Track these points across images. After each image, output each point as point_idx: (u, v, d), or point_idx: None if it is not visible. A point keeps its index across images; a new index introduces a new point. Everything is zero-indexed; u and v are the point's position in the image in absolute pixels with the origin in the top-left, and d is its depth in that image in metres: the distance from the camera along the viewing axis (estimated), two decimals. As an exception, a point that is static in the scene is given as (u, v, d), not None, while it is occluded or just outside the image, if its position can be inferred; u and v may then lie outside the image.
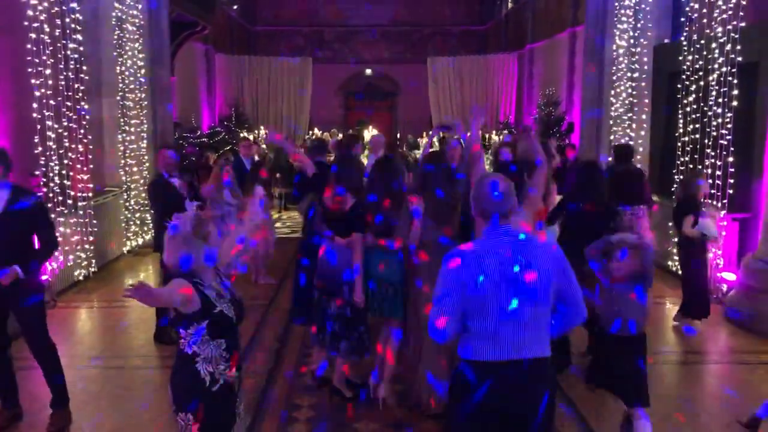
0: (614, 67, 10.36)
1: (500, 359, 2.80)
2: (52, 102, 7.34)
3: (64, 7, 7.72)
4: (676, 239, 7.20)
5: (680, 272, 6.72)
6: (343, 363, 4.91)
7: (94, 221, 8.40)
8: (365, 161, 7.78)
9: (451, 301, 2.79)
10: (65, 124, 7.73)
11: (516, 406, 2.85)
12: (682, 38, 8.18)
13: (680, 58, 8.12)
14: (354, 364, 4.96)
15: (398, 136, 20.92)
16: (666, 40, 9.63)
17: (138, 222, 9.92)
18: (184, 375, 3.04)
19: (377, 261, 4.68)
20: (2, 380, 4.66)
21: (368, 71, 24.87)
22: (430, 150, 6.11)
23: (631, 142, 9.50)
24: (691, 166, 7.87)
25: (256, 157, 12.47)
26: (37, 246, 4.57)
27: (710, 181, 7.40)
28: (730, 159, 7.19)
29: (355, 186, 4.84)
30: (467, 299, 2.78)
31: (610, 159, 10.18)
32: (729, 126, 7.19)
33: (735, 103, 7.14)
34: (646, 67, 9.76)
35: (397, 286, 4.69)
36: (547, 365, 2.90)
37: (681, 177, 7.99)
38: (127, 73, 9.75)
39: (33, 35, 7.04)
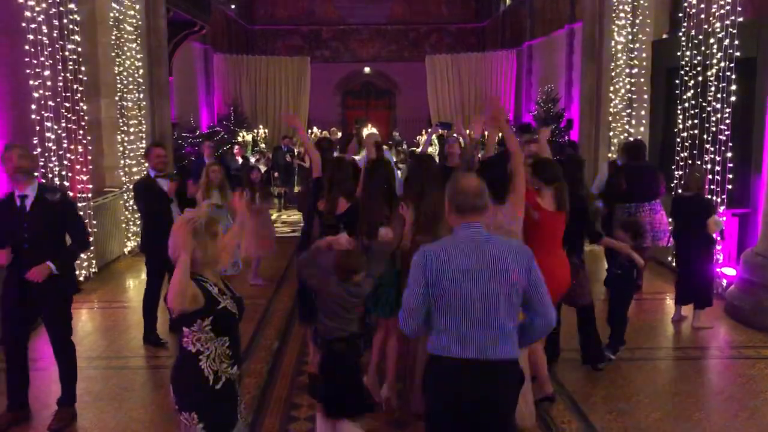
0: (612, 63, 10.36)
1: (463, 357, 2.82)
2: (50, 103, 7.34)
3: (61, 9, 7.71)
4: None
5: (683, 267, 6.66)
6: None
7: (94, 222, 8.40)
8: (357, 157, 7.81)
9: (416, 296, 2.84)
10: (64, 124, 7.73)
11: (477, 406, 2.86)
12: (680, 34, 8.18)
13: (678, 53, 8.12)
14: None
15: (395, 133, 20.91)
16: (664, 36, 9.63)
17: (137, 222, 9.90)
18: (188, 373, 3.03)
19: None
20: (17, 377, 4.69)
21: (366, 70, 24.88)
22: (420, 151, 6.13)
23: (630, 138, 9.51)
24: (690, 161, 7.87)
25: (240, 159, 12.46)
26: (69, 242, 4.66)
27: (709, 176, 7.40)
28: (729, 154, 7.19)
29: (348, 190, 4.84)
30: (432, 295, 2.83)
31: (609, 155, 10.22)
32: (728, 121, 7.19)
33: (733, 99, 7.14)
34: (644, 63, 9.76)
35: (386, 289, 4.65)
36: (511, 368, 2.89)
37: (681, 172, 8.00)
38: (125, 73, 9.75)
39: (31, 36, 7.04)
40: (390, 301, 4.67)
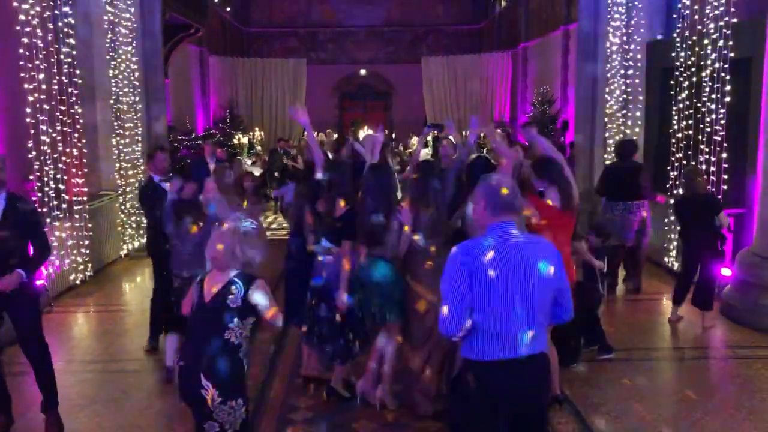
0: (608, 65, 10.38)
1: (505, 357, 2.84)
2: (45, 106, 7.32)
3: (56, 11, 7.70)
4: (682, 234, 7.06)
5: (687, 267, 6.66)
6: (334, 366, 4.93)
7: (90, 225, 8.38)
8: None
9: (460, 294, 2.82)
10: (59, 128, 7.71)
11: (520, 403, 2.91)
12: (675, 35, 8.20)
13: (673, 54, 8.14)
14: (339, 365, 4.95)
15: (393, 136, 20.91)
16: (659, 37, 9.64)
17: (134, 225, 9.90)
18: (233, 365, 3.28)
19: (365, 269, 4.68)
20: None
21: (362, 71, 24.89)
22: (421, 159, 6.14)
23: (633, 138, 9.52)
24: (685, 162, 7.88)
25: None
26: (31, 252, 4.57)
27: (704, 176, 7.42)
28: (724, 155, 7.21)
29: (347, 192, 4.90)
30: (474, 292, 2.81)
31: (605, 155, 10.24)
32: (722, 122, 7.21)
33: (728, 99, 7.15)
34: (639, 64, 9.77)
35: (386, 293, 4.65)
36: (546, 360, 2.99)
37: (676, 173, 8.02)
38: (120, 76, 9.73)
39: (25, 40, 7.02)
40: (392, 305, 4.66)
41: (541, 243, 2.99)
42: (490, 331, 2.83)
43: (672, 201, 7.09)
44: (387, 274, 4.66)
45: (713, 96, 7.31)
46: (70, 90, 8.06)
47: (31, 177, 7.15)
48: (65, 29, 7.95)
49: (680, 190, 6.85)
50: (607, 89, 10.42)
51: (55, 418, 4.59)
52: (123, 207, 9.80)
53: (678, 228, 7.02)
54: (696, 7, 7.66)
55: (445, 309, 2.87)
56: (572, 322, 5.36)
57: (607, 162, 9.42)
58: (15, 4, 6.91)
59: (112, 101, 9.61)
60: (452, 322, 2.85)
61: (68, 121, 8.00)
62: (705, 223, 6.36)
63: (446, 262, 2.92)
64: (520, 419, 2.93)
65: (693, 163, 7.66)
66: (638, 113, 9.85)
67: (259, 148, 19.03)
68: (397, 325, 4.76)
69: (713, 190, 7.33)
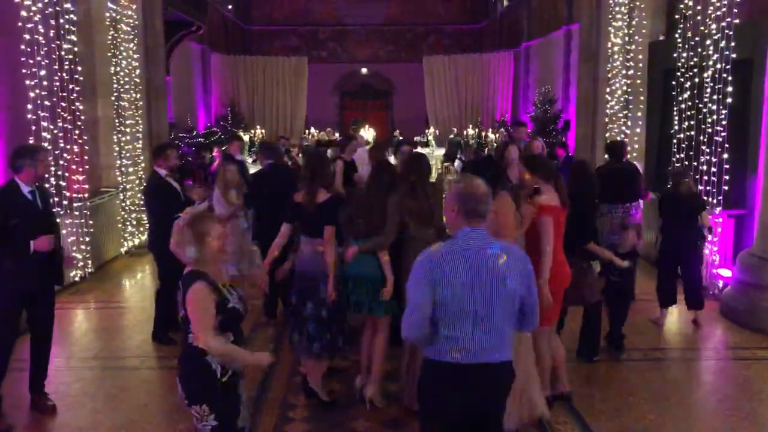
0: (609, 65, 10.38)
1: (466, 362, 2.82)
2: (47, 103, 7.32)
3: (58, 8, 7.70)
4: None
5: (669, 266, 6.66)
6: (319, 364, 4.88)
7: (90, 222, 8.38)
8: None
9: (421, 299, 2.80)
10: (60, 124, 7.71)
11: (475, 409, 2.89)
12: (677, 35, 8.20)
13: (675, 55, 8.13)
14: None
15: (395, 133, 20.90)
16: (660, 37, 9.64)
17: (134, 222, 9.90)
18: (196, 367, 3.14)
19: (362, 258, 4.66)
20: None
21: (363, 70, 24.88)
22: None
23: (626, 139, 9.53)
24: (686, 162, 7.88)
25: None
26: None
27: (705, 177, 7.43)
28: (725, 155, 7.21)
29: (328, 182, 4.91)
30: (437, 298, 2.80)
31: (606, 156, 10.23)
32: (723, 122, 7.21)
33: (729, 100, 7.15)
34: (641, 65, 9.77)
35: (377, 284, 4.65)
36: (508, 368, 2.95)
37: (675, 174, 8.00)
38: (122, 73, 9.73)
39: (27, 36, 7.02)
40: (371, 296, 4.65)
41: (511, 249, 2.94)
42: (451, 336, 2.82)
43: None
44: (374, 264, 4.65)
45: (714, 97, 7.31)
46: (71, 87, 8.06)
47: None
48: (67, 26, 7.95)
49: (669, 187, 6.81)
50: (608, 89, 10.42)
51: (47, 398, 4.82)
52: (124, 204, 9.80)
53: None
54: (698, 8, 7.66)
55: (406, 313, 2.86)
56: (598, 317, 5.49)
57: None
58: (17, 0, 6.91)
59: (113, 98, 9.60)
60: (412, 328, 2.84)
61: (69, 117, 8.00)
62: (688, 222, 6.40)
63: (413, 267, 2.89)
64: (475, 426, 2.92)
65: (694, 163, 7.66)
66: (639, 114, 9.85)
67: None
68: (386, 321, 4.77)
69: (714, 190, 7.34)
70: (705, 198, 7.32)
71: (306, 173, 4.84)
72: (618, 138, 9.77)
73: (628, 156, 7.92)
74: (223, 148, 15.61)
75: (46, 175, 5.73)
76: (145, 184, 6.64)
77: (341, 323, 4.80)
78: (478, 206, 2.87)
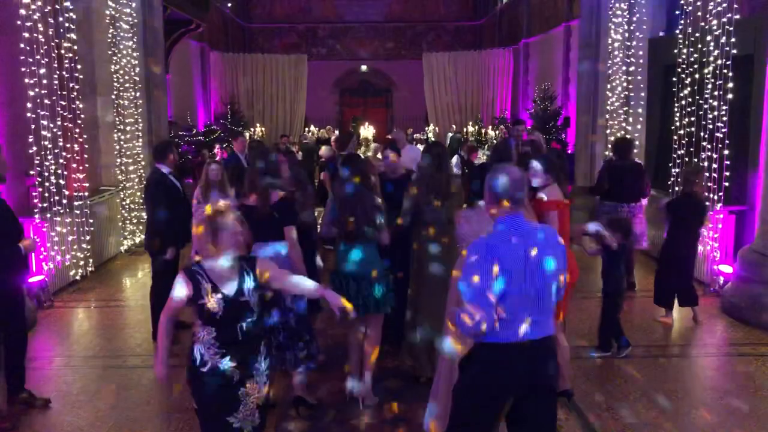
0: (609, 61, 10.37)
1: (518, 340, 2.92)
2: (46, 101, 7.31)
3: (57, 6, 7.69)
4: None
5: (671, 266, 6.64)
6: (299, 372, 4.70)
7: (90, 221, 8.38)
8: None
9: (488, 288, 2.84)
10: (60, 123, 7.70)
11: (531, 383, 2.98)
12: (677, 31, 8.18)
13: (675, 51, 8.12)
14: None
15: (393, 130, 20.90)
16: (661, 34, 9.63)
17: (134, 221, 9.90)
18: (189, 352, 3.31)
19: (352, 256, 4.63)
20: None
21: (363, 68, 24.86)
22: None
23: (628, 136, 9.52)
24: (687, 159, 7.88)
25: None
26: None
27: (706, 174, 7.41)
28: (726, 152, 7.20)
29: (282, 182, 4.75)
30: (498, 284, 2.86)
31: (606, 153, 10.22)
32: (724, 119, 7.20)
33: (730, 96, 7.14)
34: (641, 61, 9.76)
35: (372, 280, 4.61)
36: (553, 342, 3.09)
37: (678, 170, 8.00)
38: (121, 71, 9.72)
39: (26, 35, 7.01)
40: (376, 296, 4.62)
41: (548, 232, 3.07)
42: (504, 317, 2.89)
43: (664, 199, 7.02)
44: (370, 261, 4.63)
45: (715, 93, 7.29)
46: (71, 85, 8.05)
47: (31, 172, 7.15)
48: (66, 24, 7.94)
49: (679, 188, 6.81)
50: (608, 86, 10.41)
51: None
52: (124, 202, 9.80)
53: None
54: (698, 3, 7.64)
55: (469, 308, 2.84)
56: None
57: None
58: (16, -2, 6.90)
59: (113, 97, 9.59)
60: (481, 315, 2.82)
61: (69, 116, 7.99)
62: (696, 224, 6.41)
63: (465, 258, 2.95)
64: (530, 402, 3.00)
65: (695, 160, 7.65)
66: (640, 110, 9.84)
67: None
68: (380, 319, 4.76)
69: (714, 187, 7.33)
70: (706, 194, 7.33)
71: (253, 175, 4.58)
72: (620, 134, 9.77)
73: (631, 153, 7.88)
74: (224, 145, 15.67)
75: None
76: (146, 182, 6.61)
77: (310, 327, 4.67)
78: (518, 192, 2.99)
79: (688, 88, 7.87)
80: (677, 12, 8.31)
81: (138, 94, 10.15)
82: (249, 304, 3.27)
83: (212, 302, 3.18)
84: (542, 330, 2.97)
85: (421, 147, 8.86)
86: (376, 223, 4.61)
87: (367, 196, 4.66)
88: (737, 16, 7.02)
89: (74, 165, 8.20)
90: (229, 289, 3.22)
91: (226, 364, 3.21)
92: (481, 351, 3.00)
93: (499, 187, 2.98)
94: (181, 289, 3.21)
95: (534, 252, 2.91)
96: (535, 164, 4.69)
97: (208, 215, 3.19)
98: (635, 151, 9.39)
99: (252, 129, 19.29)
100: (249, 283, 3.27)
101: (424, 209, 5.00)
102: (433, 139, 19.15)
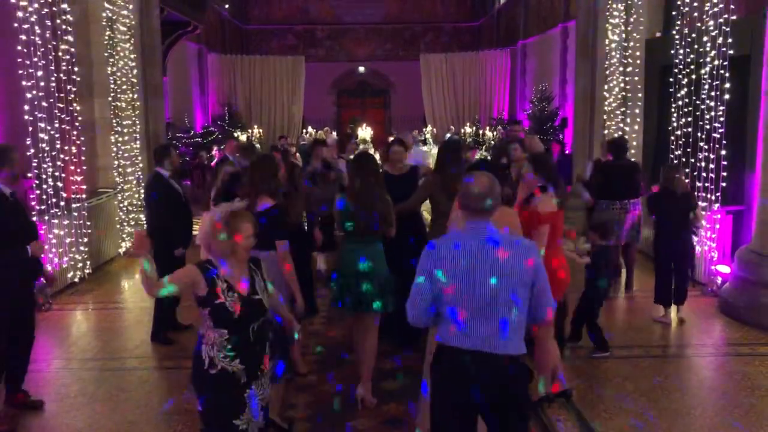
0: (606, 62, 10.38)
1: (468, 347, 2.87)
2: (44, 103, 7.31)
3: (54, 9, 7.69)
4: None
5: (665, 265, 6.66)
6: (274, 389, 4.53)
7: (88, 223, 8.37)
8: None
9: (424, 286, 2.90)
10: (57, 125, 7.69)
11: (478, 395, 2.89)
12: (674, 32, 8.19)
13: (672, 51, 8.13)
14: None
15: (392, 131, 20.94)
16: (657, 34, 9.64)
17: (132, 223, 9.89)
18: (194, 354, 3.27)
19: (356, 256, 4.64)
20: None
21: (361, 69, 24.87)
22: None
23: (625, 136, 9.53)
24: (683, 159, 7.89)
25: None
26: None
27: (703, 174, 7.43)
28: (723, 152, 7.21)
29: (272, 188, 4.63)
30: (439, 286, 2.88)
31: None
32: (721, 119, 7.21)
33: (727, 96, 7.15)
34: (638, 61, 9.78)
35: (373, 278, 4.61)
36: (516, 363, 2.91)
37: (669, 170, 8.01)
38: (119, 73, 9.71)
39: (24, 37, 7.01)
40: (370, 295, 4.61)
41: (516, 241, 2.97)
42: (453, 321, 2.89)
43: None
44: (376, 260, 4.62)
45: (712, 93, 7.31)
46: (68, 87, 8.05)
47: (29, 174, 7.14)
48: (63, 26, 7.94)
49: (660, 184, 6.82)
50: (605, 87, 10.42)
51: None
52: (122, 204, 9.79)
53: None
54: (695, 4, 7.66)
55: (410, 298, 2.95)
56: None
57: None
58: (13, 0, 6.89)
59: (110, 98, 9.58)
60: (414, 314, 2.95)
61: (66, 118, 7.98)
62: (682, 220, 6.42)
63: (420, 256, 2.99)
64: (489, 414, 2.95)
65: (692, 160, 7.67)
66: (637, 111, 9.86)
67: (258, 146, 19.00)
68: (378, 319, 4.75)
69: (711, 187, 7.34)
70: (703, 194, 7.35)
71: (246, 179, 4.55)
72: (617, 135, 9.78)
73: (627, 153, 7.90)
74: (221, 147, 15.66)
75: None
76: (145, 185, 6.61)
77: (287, 342, 4.48)
78: (479, 203, 2.93)
79: (685, 89, 7.89)
80: (674, 13, 8.32)
81: (135, 96, 10.14)
82: (262, 303, 3.30)
83: (229, 302, 3.17)
84: (497, 346, 2.85)
85: (422, 148, 8.90)
86: (387, 220, 4.67)
87: (380, 193, 4.71)
88: (734, 17, 7.04)
89: (72, 167, 8.19)
90: (243, 288, 3.25)
91: (236, 366, 3.21)
92: (439, 353, 2.99)
93: (465, 195, 2.97)
94: (195, 276, 3.19)
95: (486, 263, 2.85)
96: (527, 166, 4.72)
97: (226, 216, 3.22)
98: (632, 151, 9.43)
99: (249, 131, 19.27)
100: (259, 282, 3.33)
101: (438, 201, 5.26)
102: (433, 138, 19.17)
